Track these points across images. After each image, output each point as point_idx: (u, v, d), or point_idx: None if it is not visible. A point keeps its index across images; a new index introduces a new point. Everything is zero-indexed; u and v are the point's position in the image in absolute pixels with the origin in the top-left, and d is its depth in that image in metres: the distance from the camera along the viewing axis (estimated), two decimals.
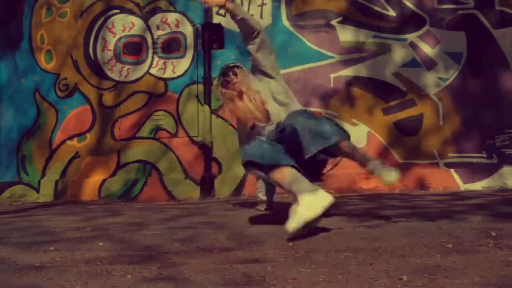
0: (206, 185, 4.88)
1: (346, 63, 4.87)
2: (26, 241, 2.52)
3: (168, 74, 5.16)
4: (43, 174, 5.36)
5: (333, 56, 4.89)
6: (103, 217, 3.46)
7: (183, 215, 3.30)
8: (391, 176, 2.55)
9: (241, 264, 1.86)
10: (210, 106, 4.98)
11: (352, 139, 4.91)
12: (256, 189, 3.45)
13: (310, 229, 2.34)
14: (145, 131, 5.16)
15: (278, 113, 2.75)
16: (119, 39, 5.30)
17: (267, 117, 2.78)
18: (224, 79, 2.88)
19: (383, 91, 4.81)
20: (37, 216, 3.73)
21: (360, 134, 4.79)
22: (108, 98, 5.28)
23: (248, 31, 2.87)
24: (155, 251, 2.19)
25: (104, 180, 5.15)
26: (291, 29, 4.96)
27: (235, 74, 2.87)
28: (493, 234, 2.20)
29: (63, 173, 5.30)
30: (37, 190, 5.29)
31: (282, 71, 4.82)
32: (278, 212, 3.19)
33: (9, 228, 3.06)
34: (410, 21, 4.84)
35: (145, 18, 5.26)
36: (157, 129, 5.13)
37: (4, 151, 5.49)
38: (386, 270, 1.69)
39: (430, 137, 4.75)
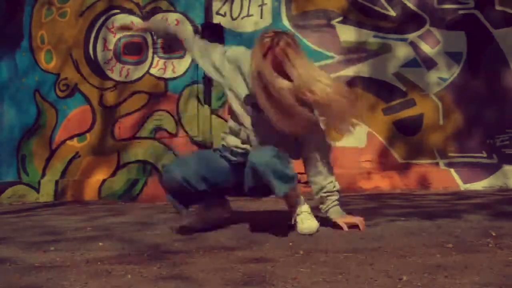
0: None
1: (346, 63, 4.87)
2: (26, 241, 2.52)
3: (168, 74, 5.16)
4: (43, 174, 5.35)
5: (333, 56, 4.89)
6: (103, 217, 3.46)
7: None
8: (309, 227, 2.39)
9: (241, 264, 1.87)
10: (210, 106, 4.98)
11: (352, 139, 4.91)
12: None
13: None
14: (145, 131, 5.16)
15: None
16: (119, 39, 5.30)
17: None
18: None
19: (383, 91, 4.81)
20: (37, 216, 3.73)
21: (360, 134, 4.78)
22: (108, 98, 5.28)
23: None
24: (155, 251, 2.19)
25: (104, 180, 5.14)
26: (291, 29, 4.95)
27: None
28: (493, 234, 2.21)
29: (63, 173, 5.30)
30: (37, 190, 5.29)
31: None
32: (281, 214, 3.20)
33: (10, 228, 3.06)
34: (410, 21, 4.83)
35: (145, 18, 5.25)
36: (157, 129, 5.13)
37: (5, 151, 5.48)
38: (386, 270, 1.69)
39: (430, 137, 4.75)
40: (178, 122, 5.09)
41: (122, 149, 5.19)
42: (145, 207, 4.15)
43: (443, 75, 4.77)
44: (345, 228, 2.39)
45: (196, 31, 5.10)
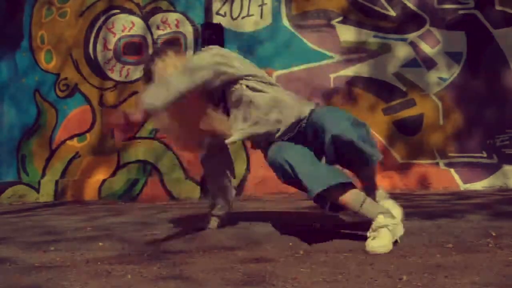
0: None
1: (346, 63, 4.87)
2: (26, 241, 2.52)
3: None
4: (43, 174, 5.35)
5: (333, 56, 4.89)
6: (103, 217, 3.46)
7: (183, 215, 3.30)
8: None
9: (241, 264, 1.87)
10: None
11: None
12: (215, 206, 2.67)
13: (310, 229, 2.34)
14: (145, 131, 5.16)
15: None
16: (119, 39, 5.30)
17: None
18: None
19: (383, 91, 4.81)
20: (37, 216, 3.73)
21: None
22: (109, 98, 5.28)
23: None
24: (155, 251, 2.19)
25: (104, 180, 5.15)
26: (291, 28, 4.96)
27: None
28: (493, 233, 2.21)
29: (63, 173, 5.30)
30: (37, 190, 5.29)
31: (283, 71, 4.85)
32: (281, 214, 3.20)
33: (10, 228, 3.06)
34: (410, 21, 4.83)
35: (145, 18, 5.26)
36: (157, 129, 5.13)
37: (5, 151, 5.49)
38: (386, 270, 1.69)
39: (430, 137, 4.75)
40: None
41: (122, 149, 5.19)
42: (145, 207, 4.15)
43: (443, 75, 4.77)
44: None
45: (196, 32, 5.11)
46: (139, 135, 5.16)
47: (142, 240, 2.43)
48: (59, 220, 3.39)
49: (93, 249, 2.26)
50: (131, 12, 5.30)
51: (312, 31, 4.93)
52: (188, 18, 5.17)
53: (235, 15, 5.06)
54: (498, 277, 1.55)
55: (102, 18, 5.35)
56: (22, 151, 5.44)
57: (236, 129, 2.30)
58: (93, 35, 5.36)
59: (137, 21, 5.28)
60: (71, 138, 5.33)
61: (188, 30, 5.15)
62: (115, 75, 5.28)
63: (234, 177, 2.64)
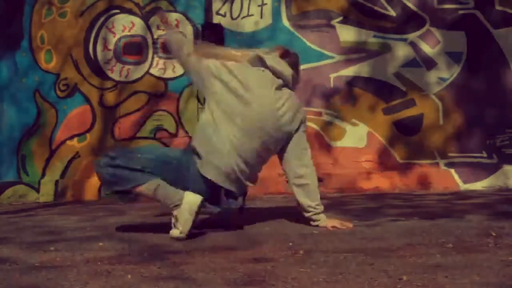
0: None
1: (346, 63, 4.87)
2: (26, 241, 2.52)
3: (168, 74, 5.16)
4: (43, 174, 5.35)
5: (333, 56, 4.89)
6: (103, 217, 3.46)
7: None
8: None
9: (241, 264, 1.87)
10: None
11: (352, 139, 4.92)
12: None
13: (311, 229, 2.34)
14: (145, 131, 5.16)
15: None
16: (119, 39, 5.30)
17: None
18: None
19: (383, 91, 4.81)
20: (37, 216, 3.73)
21: (360, 134, 4.79)
22: (108, 98, 5.28)
23: None
24: (155, 251, 2.19)
25: None
26: (291, 28, 4.96)
27: None
28: (493, 233, 2.21)
29: (63, 173, 5.30)
30: (37, 190, 5.28)
31: None
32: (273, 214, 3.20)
33: (10, 228, 3.06)
34: (410, 21, 4.84)
35: (145, 18, 5.26)
36: (157, 129, 5.13)
37: (5, 151, 5.48)
38: (386, 270, 1.69)
39: (430, 137, 4.75)
40: (178, 122, 5.09)
41: None
42: (145, 207, 4.15)
43: (443, 75, 4.77)
44: None
45: (196, 31, 5.11)
46: (139, 135, 5.16)
47: (142, 240, 2.43)
48: (59, 220, 3.39)
49: (93, 249, 2.26)
50: (131, 12, 5.30)
51: (312, 31, 4.94)
52: (188, 18, 5.17)
53: (235, 15, 5.06)
54: (498, 277, 1.55)
55: (102, 18, 5.35)
56: (22, 151, 5.44)
57: None
58: (93, 35, 5.36)
59: (137, 21, 5.28)
60: (71, 138, 5.32)
61: (188, 30, 5.15)
62: (115, 75, 5.28)
63: None
